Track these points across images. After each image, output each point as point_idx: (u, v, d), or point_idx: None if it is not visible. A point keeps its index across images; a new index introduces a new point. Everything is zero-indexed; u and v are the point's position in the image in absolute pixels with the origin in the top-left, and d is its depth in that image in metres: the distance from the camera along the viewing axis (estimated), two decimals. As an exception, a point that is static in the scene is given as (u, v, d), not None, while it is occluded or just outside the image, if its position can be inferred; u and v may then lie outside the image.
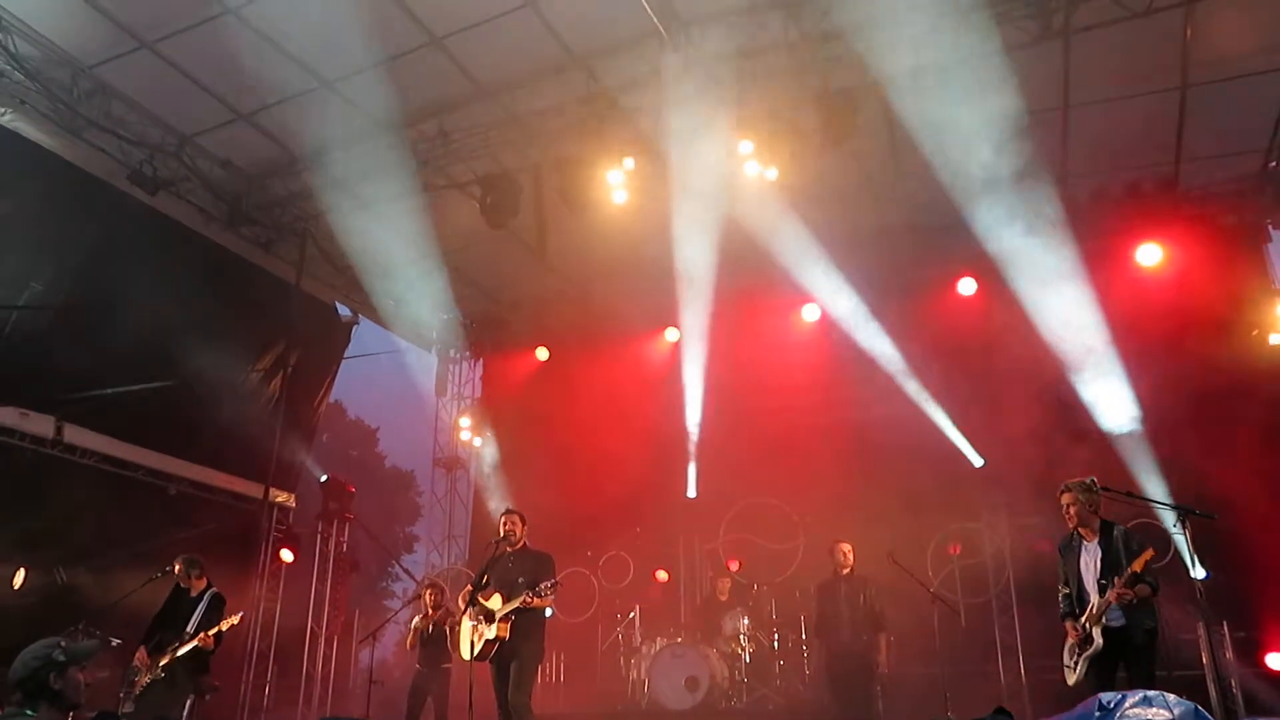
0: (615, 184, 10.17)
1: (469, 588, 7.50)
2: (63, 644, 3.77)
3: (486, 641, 7.11)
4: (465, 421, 15.12)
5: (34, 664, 3.70)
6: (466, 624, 7.36)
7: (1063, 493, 6.43)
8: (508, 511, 7.59)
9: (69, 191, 10.18)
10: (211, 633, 7.71)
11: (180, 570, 8.08)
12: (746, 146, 9.70)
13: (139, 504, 11.09)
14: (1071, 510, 6.43)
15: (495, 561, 7.46)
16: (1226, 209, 11.27)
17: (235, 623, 7.86)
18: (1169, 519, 6.25)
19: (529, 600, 6.97)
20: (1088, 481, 6.42)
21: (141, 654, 7.83)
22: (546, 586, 6.99)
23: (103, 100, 10.05)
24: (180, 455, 11.72)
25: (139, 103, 10.27)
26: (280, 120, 10.53)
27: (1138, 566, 6.01)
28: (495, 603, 7.20)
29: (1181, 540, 5.99)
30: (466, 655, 7.35)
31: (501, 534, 7.43)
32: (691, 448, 12.79)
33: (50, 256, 10.06)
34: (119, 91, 10.09)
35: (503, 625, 7.07)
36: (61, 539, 9.76)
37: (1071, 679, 6.39)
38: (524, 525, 7.51)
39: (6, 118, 9.80)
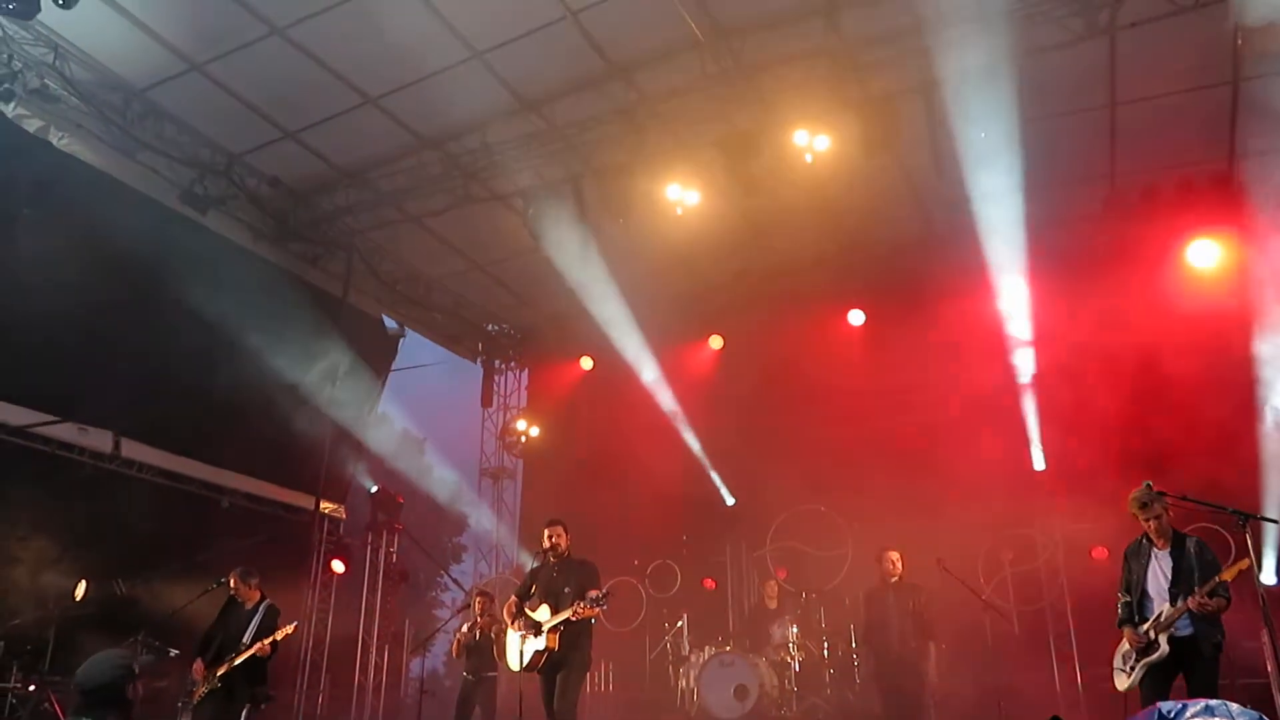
0: (658, 193, 10.21)
1: (514, 598, 7.54)
2: (135, 654, 3.84)
3: (535, 652, 7.13)
4: (512, 431, 15.22)
5: (114, 673, 3.74)
6: (513, 635, 7.39)
7: (1147, 504, 6.29)
8: (551, 522, 7.60)
9: (124, 211, 10.40)
10: (268, 641, 7.81)
11: (235, 583, 8.19)
12: (789, 152, 9.66)
13: (193, 516, 11.32)
14: (1159, 521, 6.28)
15: (540, 571, 7.49)
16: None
17: (290, 632, 7.97)
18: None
19: (580, 610, 6.98)
20: (1160, 492, 6.29)
21: (199, 666, 7.97)
22: (598, 596, 6.97)
23: (155, 122, 10.30)
24: (233, 468, 11.94)
25: (189, 123, 10.51)
26: (326, 137, 10.71)
27: (1228, 575, 5.88)
28: (543, 613, 7.22)
29: (1241, 546, 5.85)
30: (515, 666, 7.38)
31: (547, 545, 7.45)
32: (732, 455, 12.74)
33: (106, 275, 10.30)
34: (169, 113, 10.34)
35: (551, 636, 7.09)
36: (120, 551, 9.97)
37: (1123, 684, 6.29)
38: (568, 535, 7.53)
39: (64, 141, 10.08)
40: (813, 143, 9.45)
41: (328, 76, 9.65)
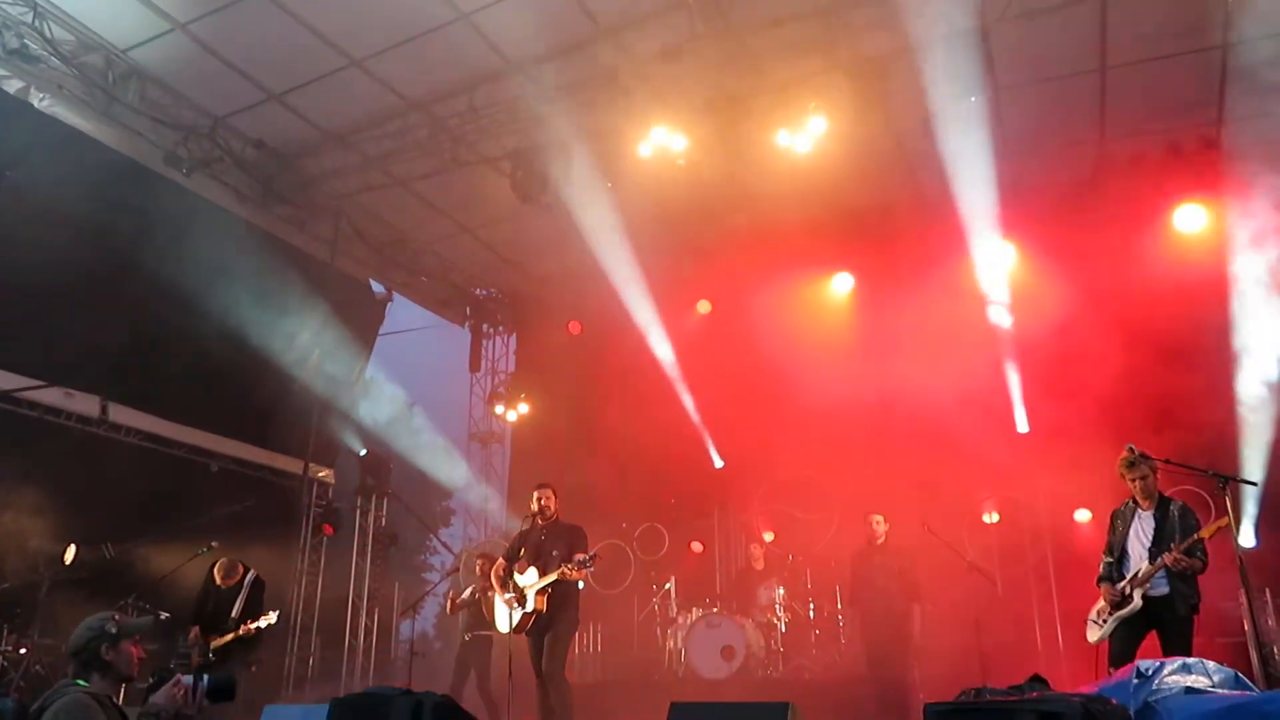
0: (645, 155, 10.15)
1: (502, 561, 7.62)
2: (116, 617, 3.90)
3: (524, 614, 7.22)
4: (500, 395, 15.23)
5: (88, 635, 3.83)
6: (500, 598, 7.48)
7: (1134, 464, 6.42)
8: (540, 485, 7.68)
9: (107, 174, 10.31)
10: (253, 626, 8.01)
11: (220, 576, 8.36)
12: (779, 115, 9.63)
13: (182, 481, 11.33)
14: (1145, 482, 6.44)
15: (529, 534, 7.56)
16: (1271, 169, 10.99)
17: (274, 622, 8.17)
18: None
19: (566, 573, 7.06)
20: (1145, 454, 6.41)
21: (195, 631, 8.13)
22: (585, 559, 7.05)
23: (137, 84, 10.17)
24: (221, 433, 11.94)
25: (172, 85, 10.38)
26: (312, 99, 10.59)
27: (1207, 533, 6.04)
28: (530, 576, 7.31)
29: (1222, 507, 5.96)
30: (504, 628, 7.48)
31: (535, 508, 7.52)
32: (720, 419, 12.81)
33: (91, 238, 10.23)
34: (152, 74, 10.20)
35: (540, 598, 7.18)
36: (109, 516, 9.99)
37: (1094, 636, 6.48)
38: (557, 499, 7.59)
39: (45, 103, 9.95)
40: (801, 105, 9.41)
41: (312, 38, 9.52)
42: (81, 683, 3.74)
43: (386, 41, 9.63)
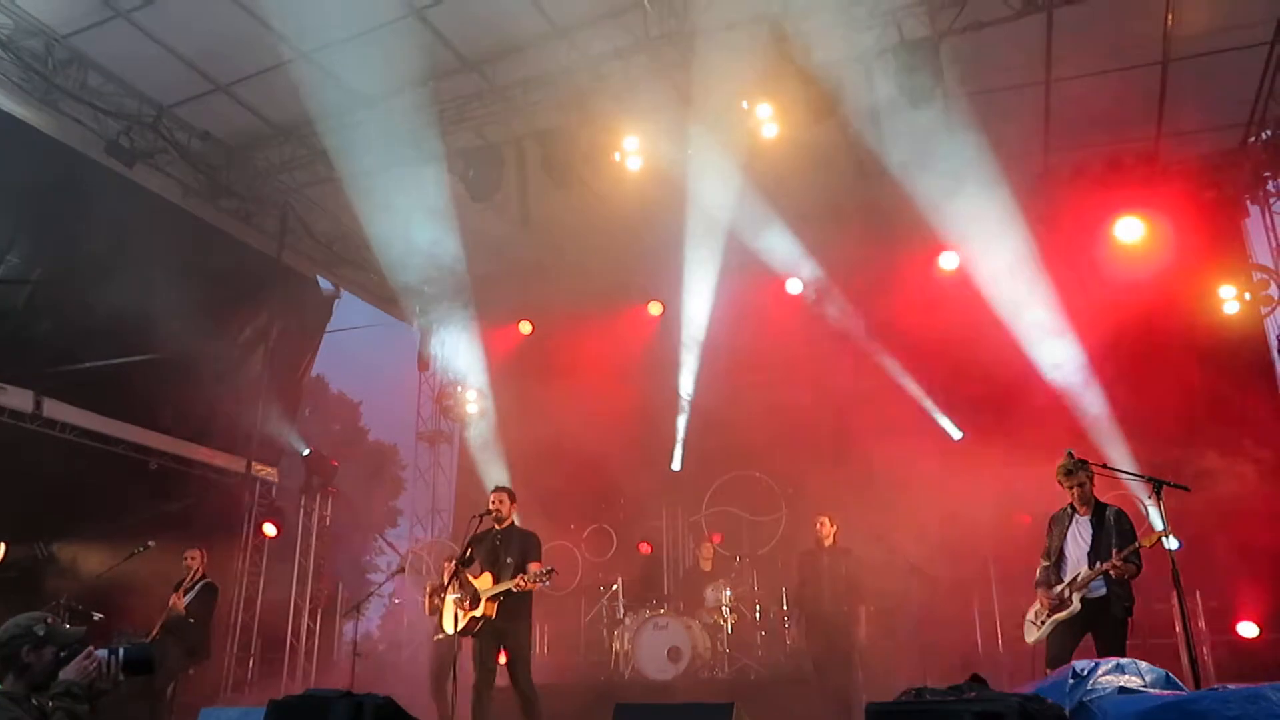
0: (601, 156, 10.15)
1: (455, 563, 7.56)
2: (49, 620, 3.73)
3: (471, 618, 7.16)
4: (448, 395, 15.08)
5: (12, 632, 3.64)
6: (450, 599, 7.41)
7: (1072, 472, 6.58)
8: (498, 488, 7.61)
9: (45, 164, 10.04)
10: (185, 601, 7.94)
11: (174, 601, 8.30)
12: (733, 119, 9.68)
13: (120, 478, 11.04)
14: (1083, 489, 6.62)
15: (483, 538, 7.49)
16: (1206, 184, 11.32)
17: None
18: (1143, 490, 6.38)
19: (520, 584, 7.01)
20: (1082, 460, 6.58)
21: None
22: (542, 573, 7.00)
23: (78, 70, 9.91)
24: (161, 429, 11.65)
25: (115, 73, 10.14)
26: (260, 91, 10.42)
27: (1147, 543, 6.20)
28: (485, 582, 7.24)
29: (1155, 512, 6.13)
30: (450, 629, 7.42)
31: (490, 510, 7.45)
32: (680, 421, 12.84)
33: (27, 230, 9.95)
34: (95, 61, 9.96)
35: (490, 604, 7.13)
36: (42, 513, 9.72)
37: (1031, 637, 6.66)
38: (512, 503, 7.54)
39: (-20, 88, 9.67)
40: (755, 109, 9.46)
41: (260, 28, 9.36)
42: None
43: (337, 35, 9.50)
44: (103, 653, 3.67)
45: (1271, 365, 10.43)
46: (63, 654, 3.66)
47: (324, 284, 14.18)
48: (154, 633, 7.97)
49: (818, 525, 9.03)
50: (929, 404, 11.44)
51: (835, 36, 8.99)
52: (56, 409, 10.40)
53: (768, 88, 9.38)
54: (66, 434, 10.58)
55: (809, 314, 12.53)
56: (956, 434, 11.38)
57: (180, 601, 8.04)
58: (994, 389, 10.75)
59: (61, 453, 10.44)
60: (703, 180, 10.96)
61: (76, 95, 9.95)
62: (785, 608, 10.34)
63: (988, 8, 8.64)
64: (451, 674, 7.02)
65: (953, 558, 10.84)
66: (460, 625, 7.23)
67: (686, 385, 12.69)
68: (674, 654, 9.66)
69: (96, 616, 8.58)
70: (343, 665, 11.46)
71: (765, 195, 11.33)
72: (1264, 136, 10.74)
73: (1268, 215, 11.06)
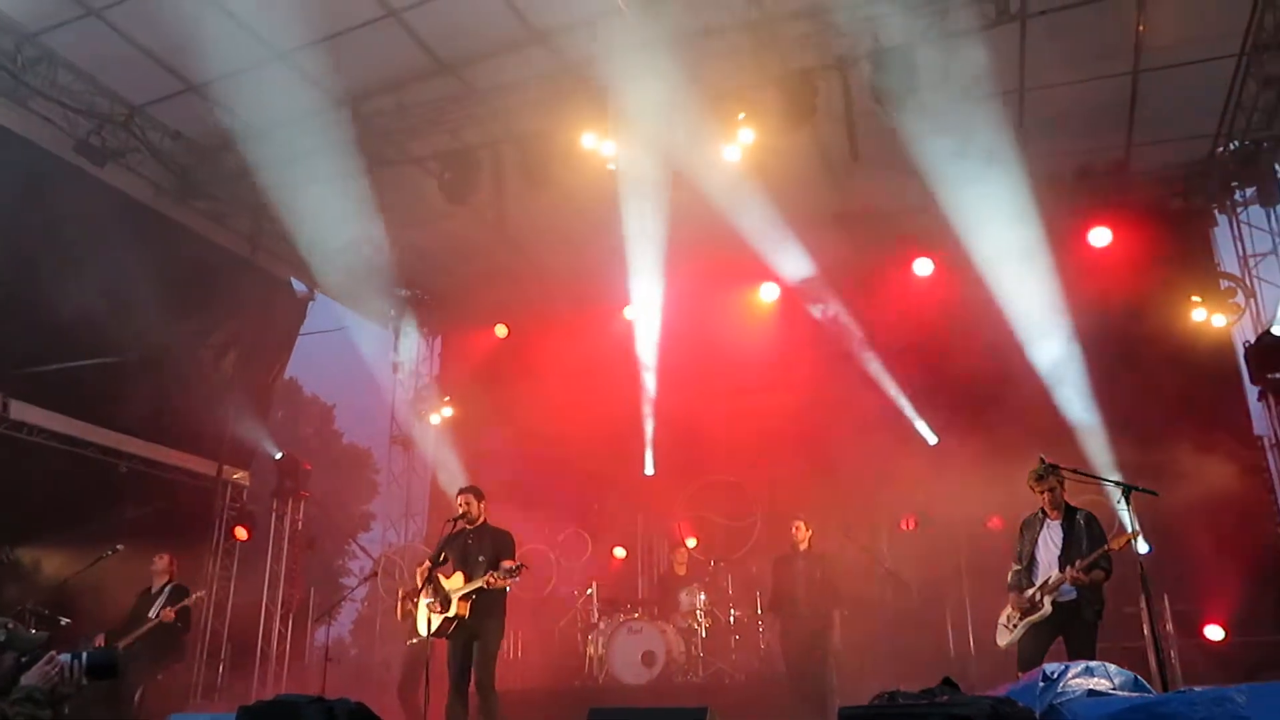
0: (577, 160, 10.15)
1: (426, 564, 7.52)
2: (10, 625, 3.68)
3: (445, 619, 7.13)
4: (423, 399, 15.01)
5: None
6: (423, 600, 7.38)
7: (1044, 476, 6.65)
8: (463, 490, 7.58)
9: (13, 162, 9.89)
10: (176, 609, 7.86)
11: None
12: (709, 125, 9.71)
13: (89, 482, 10.87)
14: (1054, 494, 6.70)
15: (455, 538, 7.46)
16: (1175, 193, 11.48)
17: (203, 595, 8.02)
18: (1114, 494, 6.47)
19: (491, 581, 6.99)
20: (1054, 465, 6.65)
21: (100, 639, 7.92)
22: (512, 569, 6.98)
23: (49, 68, 9.77)
24: (131, 432, 11.49)
25: (86, 71, 10.00)
26: (234, 92, 10.31)
27: (1116, 545, 6.28)
28: (456, 581, 7.22)
29: (1125, 515, 6.21)
30: (424, 631, 7.38)
31: (459, 512, 7.43)
32: (649, 426, 12.84)
33: (-5, 228, 9.81)
34: (66, 60, 9.82)
35: (462, 604, 7.10)
36: (8, 517, 9.57)
37: (1004, 640, 6.72)
38: (480, 502, 7.51)
39: (-53, 85, 9.52)
40: (732, 114, 9.51)
41: (236, 28, 9.27)
42: None
43: (311, 35, 9.43)
44: (65, 657, 3.62)
45: (1238, 372, 10.58)
46: (24, 659, 3.60)
47: (298, 286, 14.07)
48: (128, 641, 7.92)
49: (793, 529, 9.06)
50: (905, 408, 11.50)
51: (812, 45, 9.04)
52: (24, 411, 10.24)
53: (745, 95, 9.42)
54: (34, 436, 10.41)
55: (784, 318, 12.60)
56: (932, 438, 11.45)
57: (171, 614, 7.99)
58: (968, 393, 10.84)
59: (29, 456, 10.27)
60: (682, 185, 10.98)
61: (46, 94, 9.81)
62: (760, 612, 10.36)
63: (963, 16, 8.72)
64: (424, 678, 6.98)
65: (926, 562, 10.94)
66: (434, 628, 7.19)
67: (659, 389, 12.68)
68: (648, 658, 9.65)
69: (63, 621, 8.48)
70: (314, 670, 11.37)
71: (741, 200, 11.36)
72: (1232, 147, 10.89)
73: (1235, 225, 11.23)
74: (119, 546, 8.46)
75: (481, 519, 7.48)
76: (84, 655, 3.66)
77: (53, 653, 3.62)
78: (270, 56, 9.71)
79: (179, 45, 9.59)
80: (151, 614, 8.07)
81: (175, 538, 10.49)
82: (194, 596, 8.22)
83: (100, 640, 7.96)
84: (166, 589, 8.36)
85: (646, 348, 12.78)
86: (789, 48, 9.19)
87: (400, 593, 9.59)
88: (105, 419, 11.16)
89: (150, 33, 9.45)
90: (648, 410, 12.78)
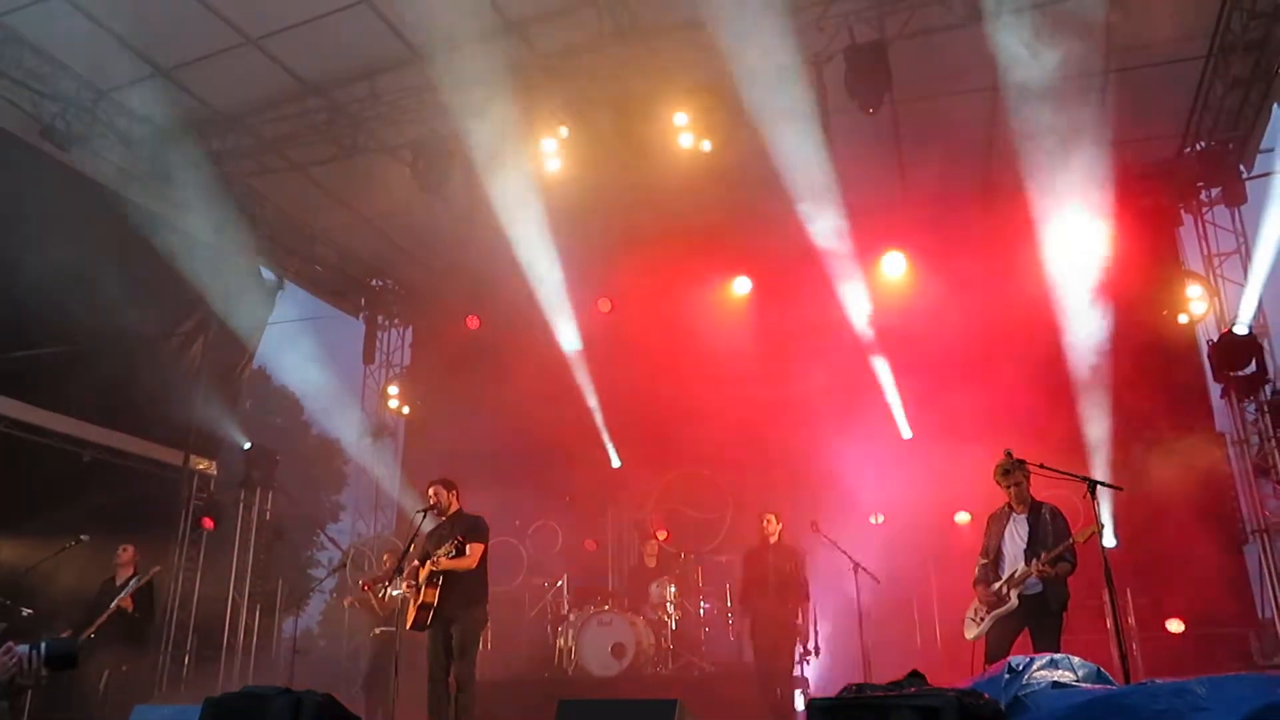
0: (549, 151, 10.13)
1: (396, 552, 7.48)
2: None
3: (419, 608, 7.08)
4: (394, 389, 14.91)
5: None
6: (393, 592, 7.35)
7: (1010, 471, 6.72)
8: (433, 481, 7.55)
9: (-25, 145, 9.74)
10: (134, 591, 7.80)
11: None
12: (681, 119, 9.72)
13: (51, 471, 10.71)
14: (1020, 488, 6.78)
15: (432, 532, 7.43)
16: (1142, 191, 11.61)
17: (159, 569, 7.95)
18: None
19: (440, 563, 6.97)
20: (1019, 460, 6.72)
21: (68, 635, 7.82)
22: (448, 548, 6.97)
23: (13, 50, 9.60)
24: (96, 421, 11.32)
25: (52, 54, 9.84)
26: (204, 76, 10.20)
27: (1081, 538, 6.37)
28: (425, 570, 7.19)
29: (1093, 511, 6.29)
30: (407, 625, 7.33)
31: (430, 503, 7.40)
32: (619, 419, 12.84)
33: (-45, 213, 9.63)
34: (30, 41, 9.65)
35: (429, 591, 7.05)
36: (-32, 507, 9.43)
37: (971, 634, 6.79)
38: (450, 492, 7.48)
39: (-93, 65, 9.33)
40: (708, 109, 9.51)
41: (205, 12, 9.16)
42: None
43: (284, 21, 9.33)
44: (23, 648, 3.57)
45: (1203, 370, 10.74)
46: None
47: (267, 274, 13.91)
48: (89, 632, 7.81)
49: (763, 522, 9.10)
50: (877, 402, 11.56)
51: (785, 40, 9.04)
52: (-15, 398, 10.08)
53: (717, 88, 9.42)
54: (-5, 424, 10.25)
55: (756, 312, 12.63)
56: (907, 433, 11.52)
57: (129, 602, 7.89)
58: (938, 388, 10.92)
59: (-10, 444, 10.12)
60: (654, 179, 10.97)
61: (11, 76, 9.65)
62: (730, 604, 10.40)
63: (936, 14, 8.77)
64: (392, 670, 6.95)
65: (895, 555, 11.02)
66: (411, 619, 7.14)
67: (630, 382, 12.66)
68: (618, 650, 9.67)
69: (25, 612, 8.36)
70: (282, 662, 11.29)
71: (715, 195, 11.38)
72: (1199, 147, 11.04)
73: (1200, 224, 11.39)
74: (84, 537, 8.36)
75: (454, 508, 7.45)
76: (42, 646, 3.61)
77: (10, 643, 3.56)
78: (242, 42, 9.59)
79: (149, 29, 9.47)
80: (113, 603, 7.98)
81: (140, 528, 10.37)
82: (152, 571, 8.13)
83: (67, 633, 7.86)
84: (130, 582, 8.27)
85: (620, 340, 12.77)
86: (762, 44, 9.16)
87: (361, 582, 9.59)
88: (69, 408, 10.98)
89: (119, 15, 9.30)
90: (618, 403, 12.77)
